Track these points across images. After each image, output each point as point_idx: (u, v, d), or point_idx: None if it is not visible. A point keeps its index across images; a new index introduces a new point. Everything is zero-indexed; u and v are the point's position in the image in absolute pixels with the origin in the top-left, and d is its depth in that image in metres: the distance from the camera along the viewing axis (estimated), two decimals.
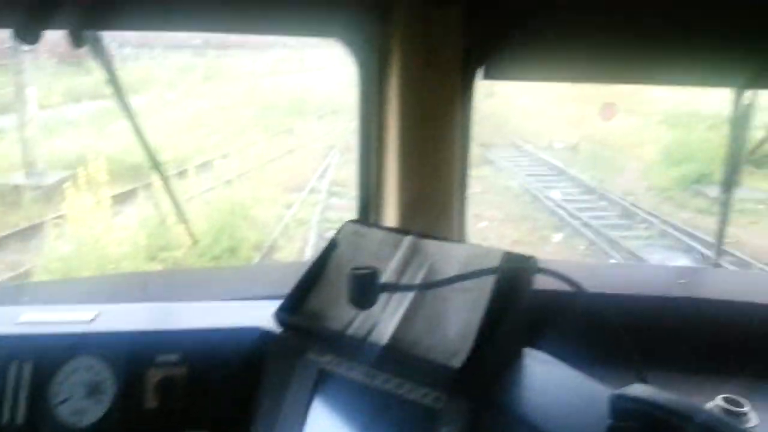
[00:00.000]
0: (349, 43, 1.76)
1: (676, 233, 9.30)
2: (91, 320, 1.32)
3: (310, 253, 8.40)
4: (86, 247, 6.36)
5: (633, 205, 10.56)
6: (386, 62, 1.71)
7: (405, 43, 1.64)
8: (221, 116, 18.88)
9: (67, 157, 12.02)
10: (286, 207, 10.59)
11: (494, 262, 1.13)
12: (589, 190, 11.97)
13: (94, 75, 27.32)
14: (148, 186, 8.79)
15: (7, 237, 8.59)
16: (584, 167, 13.61)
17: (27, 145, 11.23)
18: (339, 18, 1.71)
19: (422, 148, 1.69)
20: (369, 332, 1.12)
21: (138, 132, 1.73)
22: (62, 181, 10.09)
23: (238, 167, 9.06)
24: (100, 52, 1.56)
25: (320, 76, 37.24)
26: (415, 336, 1.09)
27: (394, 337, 1.09)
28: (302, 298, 1.24)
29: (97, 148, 10.46)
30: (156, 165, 1.85)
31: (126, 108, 1.69)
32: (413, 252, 1.22)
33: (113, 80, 1.62)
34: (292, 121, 19.90)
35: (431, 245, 1.22)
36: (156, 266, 7.48)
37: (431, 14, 1.59)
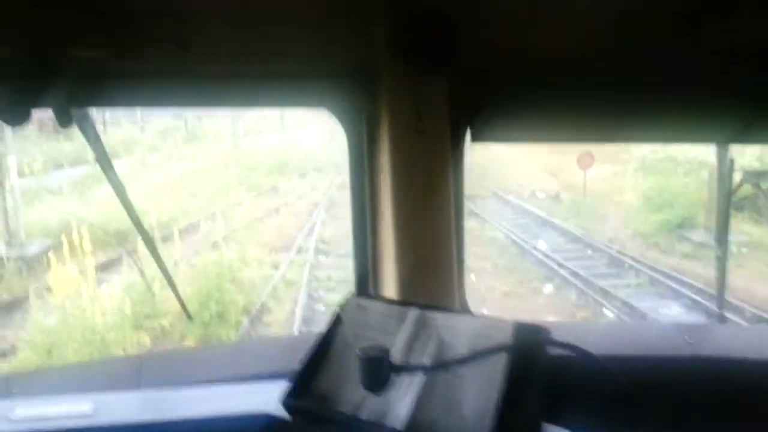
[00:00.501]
0: (337, 112, 1.76)
1: (665, 280, 9.35)
2: (90, 414, 1.28)
3: (299, 314, 8.28)
4: (72, 318, 6.19)
5: (620, 252, 10.65)
6: (375, 129, 1.72)
7: (393, 109, 1.64)
8: (204, 177, 18.88)
9: (50, 226, 11.85)
10: (273, 267, 10.49)
11: (505, 335, 1.11)
12: (575, 239, 12.08)
13: (74, 142, 27.30)
14: (132, 252, 8.67)
15: None
16: (567, 216, 13.78)
17: (7, 215, 11.08)
18: (326, 87, 1.71)
19: (417, 215, 1.67)
20: (383, 416, 1.09)
21: (126, 203, 1.73)
22: (45, 250, 9.92)
23: (224, 228, 8.99)
24: (86, 127, 1.56)
25: (300, 134, 37.69)
26: (431, 419, 1.06)
27: (411, 421, 1.06)
28: (309, 380, 1.20)
29: (80, 215, 10.36)
30: (144, 234, 1.83)
31: (113, 179, 1.69)
32: (420, 325, 1.20)
33: (100, 154, 1.62)
34: (275, 180, 19.98)
35: (438, 318, 1.20)
36: (143, 335, 7.30)
37: (419, 81, 1.59)
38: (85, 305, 6.31)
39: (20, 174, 13.95)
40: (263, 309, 8.52)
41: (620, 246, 11.18)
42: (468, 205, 15.38)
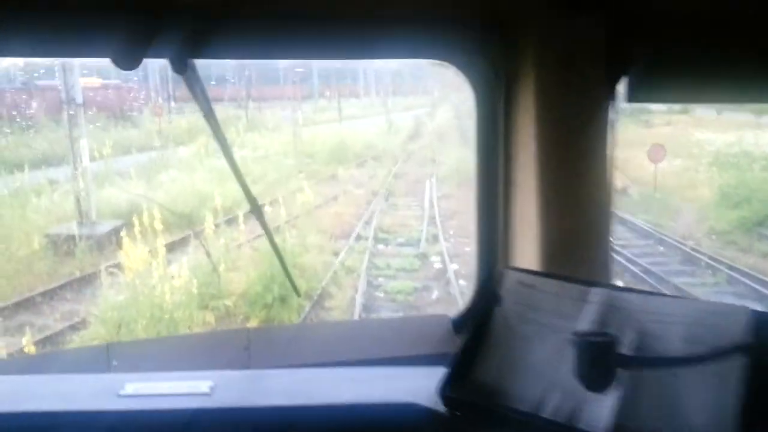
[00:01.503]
0: (465, 66, 1.54)
1: (744, 279, 8.78)
2: (208, 393, 1.14)
3: (360, 301, 8.19)
4: (141, 296, 6.29)
5: (694, 250, 10.08)
6: (513, 86, 1.51)
7: (537, 62, 1.41)
8: (264, 165, 19.11)
9: (119, 207, 12.22)
10: (333, 254, 10.46)
11: (739, 326, 0.90)
12: (646, 235, 11.53)
13: (142, 128, 28.26)
14: (199, 234, 8.80)
15: (61, 287, 8.65)
16: (636, 211, 13.18)
17: (80, 196, 11.47)
18: (452, 38, 1.49)
19: (566, 185, 1.46)
20: (575, 417, 0.89)
21: (233, 166, 1.61)
22: (114, 230, 10.22)
23: (285, 214, 9.01)
24: (193, 82, 1.44)
25: (357, 124, 37.80)
26: (641, 426, 0.86)
27: (616, 427, 0.86)
28: (468, 368, 1.02)
29: (148, 196, 10.60)
30: (250, 199, 1.70)
31: (220, 137, 1.58)
32: (609, 308, 1.00)
33: (207, 110, 1.50)
34: (333, 168, 20.03)
35: (633, 300, 1.01)
36: (208, 315, 7.37)
37: (569, 27, 1.35)
38: (154, 284, 6.38)
39: (91, 158, 14.43)
40: (324, 294, 8.48)
41: (695, 243, 10.59)
42: None
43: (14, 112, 29.26)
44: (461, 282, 9.06)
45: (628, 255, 9.93)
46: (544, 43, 1.38)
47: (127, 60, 1.30)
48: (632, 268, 9.37)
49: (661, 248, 10.72)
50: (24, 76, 38.65)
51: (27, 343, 4.42)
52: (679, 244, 10.46)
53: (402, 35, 1.47)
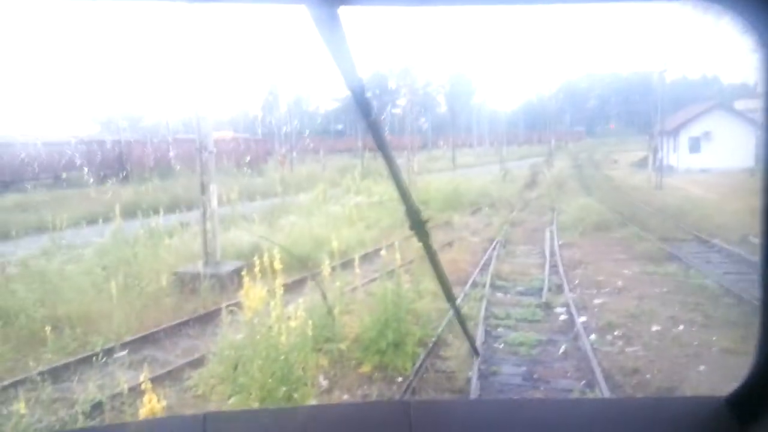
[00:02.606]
0: (750, 11, 1.13)
1: None
2: None
3: (481, 351, 7.65)
4: (258, 335, 6.21)
5: None
6: None
7: None
8: (379, 211, 19.24)
9: (242, 249, 12.65)
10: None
11: None
12: None
13: (266, 176, 29.98)
14: (315, 275, 8.76)
15: (185, 323, 8.92)
16: None
17: (207, 237, 12.01)
18: None
19: None
20: None
21: (397, 179, 1.40)
22: (236, 270, 10.51)
23: (400, 259, 8.76)
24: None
25: (471, 172, 37.49)
26: None
27: None
28: None
29: (269, 238, 10.84)
30: (414, 219, 1.41)
31: (385, 151, 1.37)
32: None
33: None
34: (448, 215, 19.77)
35: None
36: (321, 358, 7.19)
37: None
38: (272, 324, 6.29)
39: (220, 203, 15.21)
40: (440, 342, 8.04)
41: None
42: (664, 249, 13.73)
43: (155, 162, 32.13)
44: (592, 336, 8.25)
45: None
46: None
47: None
48: None
49: None
50: (165, 130, 42.51)
51: (144, 379, 4.38)
52: None
53: None
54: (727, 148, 37.11)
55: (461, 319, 1.74)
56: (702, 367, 7.06)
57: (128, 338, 8.14)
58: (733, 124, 38.43)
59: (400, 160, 35.97)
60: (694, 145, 39.18)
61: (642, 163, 40.95)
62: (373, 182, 26.49)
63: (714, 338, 8.03)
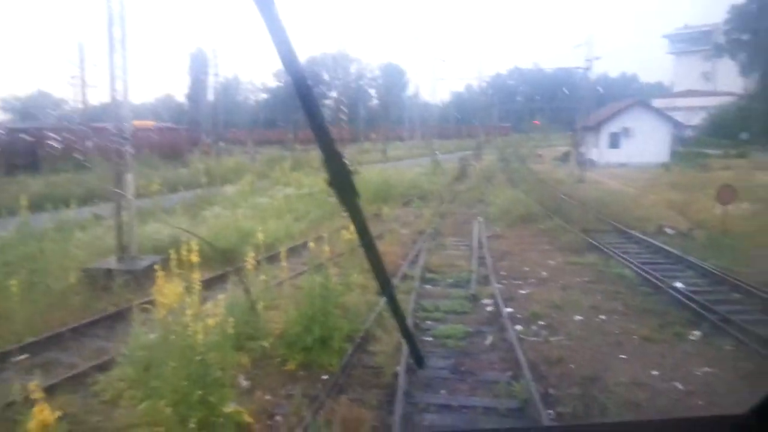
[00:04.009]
0: None
1: None
2: None
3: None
4: (173, 335, 5.79)
5: None
6: None
7: None
8: (308, 202, 18.86)
9: (162, 243, 11.99)
10: (377, 294, 9.85)
11: None
12: (719, 281, 10.52)
13: (191, 167, 28.90)
14: (238, 270, 8.36)
15: (94, 323, 8.31)
16: (704, 255, 12.17)
17: (121, 230, 11.30)
18: None
19: None
20: None
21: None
22: (154, 265, 9.91)
23: (329, 252, 8.50)
24: None
25: (402, 165, 37.58)
26: None
27: None
28: None
29: (188, 231, 10.29)
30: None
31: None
32: None
33: None
34: (378, 207, 19.62)
35: None
36: (243, 357, 6.84)
37: None
38: (188, 322, 5.87)
39: (139, 195, 14.40)
40: (368, 337, 7.85)
41: None
42: (586, 240, 14.13)
43: (70, 151, 30.25)
44: (518, 327, 8.30)
45: (702, 302, 8.98)
46: None
47: None
48: (709, 316, 8.42)
49: (736, 295, 9.71)
50: (82, 117, 40.25)
51: (34, 388, 3.93)
52: (759, 292, 9.43)
53: None
54: (644, 143, 38.94)
55: (398, 311, 1.52)
56: (623, 355, 7.22)
57: (30, 340, 7.49)
58: (650, 121, 40.35)
59: None
60: (614, 141, 40.89)
61: (565, 158, 42.40)
62: (303, 174, 26.00)
63: (633, 326, 8.25)
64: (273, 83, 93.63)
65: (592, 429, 1.49)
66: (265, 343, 7.25)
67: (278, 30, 1.19)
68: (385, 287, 1.57)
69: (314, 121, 1.31)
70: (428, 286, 10.76)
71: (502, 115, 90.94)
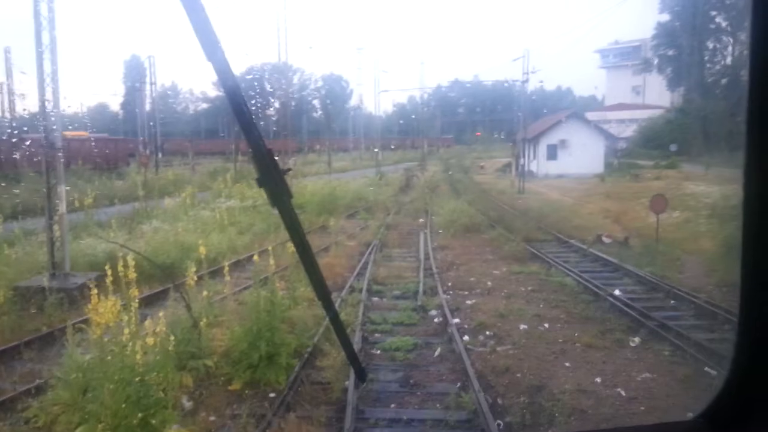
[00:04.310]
0: None
1: None
2: None
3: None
4: (110, 356, 5.52)
5: (709, 303, 9.48)
6: None
7: None
8: (252, 215, 18.53)
9: (97, 259, 11.49)
10: (324, 307, 9.73)
11: None
12: (654, 287, 10.96)
13: (127, 179, 27.95)
14: (179, 286, 8.08)
15: (24, 344, 7.83)
16: (640, 263, 12.65)
17: (53, 246, 10.76)
18: None
19: None
20: None
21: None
22: (87, 282, 9.46)
23: (274, 265, 8.34)
24: None
25: (347, 176, 37.55)
26: None
27: None
28: None
29: (126, 246, 9.89)
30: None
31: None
32: None
33: None
34: (324, 219, 19.48)
35: None
36: (186, 377, 6.59)
37: None
38: (126, 341, 5.62)
39: (72, 208, 13.77)
40: (315, 352, 7.72)
41: (707, 296, 10.00)
42: (528, 249, 14.46)
43: None
44: (465, 337, 8.36)
45: (640, 308, 9.31)
46: None
47: None
48: (647, 323, 8.74)
49: (672, 302, 10.13)
50: (10, 128, 38.28)
51: None
52: (692, 298, 9.87)
53: None
54: (580, 155, 40.33)
55: (339, 326, 1.51)
56: (567, 363, 7.37)
57: None
58: (585, 133, 41.86)
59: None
60: (552, 153, 42.16)
61: (506, 169, 43.43)
62: (246, 186, 25.52)
63: (576, 334, 8.46)
64: (213, 92, 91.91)
65: None
66: (209, 362, 7.01)
67: (209, 38, 1.17)
68: (320, 288, 1.60)
69: (241, 116, 1.27)
70: (375, 299, 10.72)
71: (444, 127, 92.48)
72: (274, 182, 1.27)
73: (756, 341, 1.21)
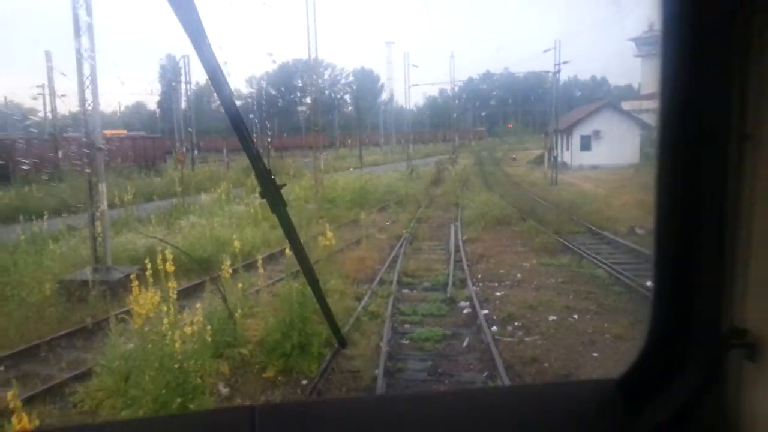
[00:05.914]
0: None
1: None
2: None
3: (385, 349, 7.61)
4: (151, 344, 5.81)
5: None
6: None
7: None
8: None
9: (137, 253, 11.93)
10: (355, 299, 9.96)
11: None
12: None
13: (165, 176, 28.67)
14: (215, 279, 8.39)
15: (70, 334, 8.25)
16: None
17: (96, 241, 11.21)
18: None
19: None
20: None
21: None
22: (129, 275, 9.86)
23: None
24: None
25: (378, 170, 37.73)
26: None
27: None
28: None
29: (165, 241, 10.26)
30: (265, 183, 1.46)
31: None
32: None
33: None
34: (355, 213, 19.71)
35: None
36: (222, 364, 6.87)
37: None
38: (165, 331, 5.91)
39: (112, 205, 14.27)
40: (346, 342, 7.91)
41: None
42: (560, 241, 14.40)
43: (41, 162, 29.80)
44: (494, 328, 8.45)
45: None
46: None
47: None
48: None
49: None
50: (53, 127, 39.60)
51: (12, 398, 3.94)
52: None
53: None
54: (615, 145, 39.66)
55: (324, 303, 1.72)
56: (596, 354, 7.41)
57: (5, 353, 7.41)
58: (620, 123, 41.12)
59: (307, 159, 35.51)
60: (585, 143, 41.55)
61: (538, 161, 43.00)
62: (278, 181, 25.93)
63: (606, 325, 8.46)
64: (246, 90, 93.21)
65: (470, 395, 1.68)
66: (244, 351, 7.29)
67: (203, 45, 1.21)
68: (309, 275, 1.78)
69: (242, 138, 1.41)
70: (406, 290, 10.87)
71: (476, 119, 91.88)
72: (271, 194, 1.50)
73: (668, 314, 1.32)
